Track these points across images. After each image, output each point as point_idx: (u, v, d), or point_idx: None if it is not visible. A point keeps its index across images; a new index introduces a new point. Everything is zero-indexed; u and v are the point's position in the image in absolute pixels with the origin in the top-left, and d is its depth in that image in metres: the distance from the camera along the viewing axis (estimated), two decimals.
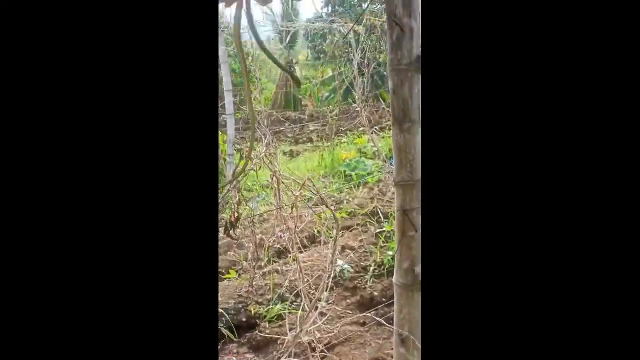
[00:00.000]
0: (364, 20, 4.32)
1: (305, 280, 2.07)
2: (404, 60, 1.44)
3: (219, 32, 4.64)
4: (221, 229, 1.78)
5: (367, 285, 3.09)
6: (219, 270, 3.41)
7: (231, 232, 1.77)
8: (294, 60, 11.22)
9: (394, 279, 1.74)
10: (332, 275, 1.76)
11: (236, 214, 1.69)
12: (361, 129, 6.31)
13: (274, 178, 1.68)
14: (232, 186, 1.68)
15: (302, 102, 11.06)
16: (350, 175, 5.20)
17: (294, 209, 1.70)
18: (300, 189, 1.58)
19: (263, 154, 1.69)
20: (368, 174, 5.06)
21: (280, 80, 10.67)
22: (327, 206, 1.51)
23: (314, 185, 1.56)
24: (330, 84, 9.79)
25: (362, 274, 3.21)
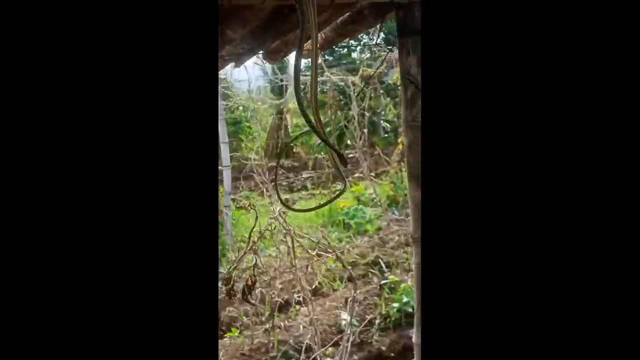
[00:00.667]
0: (360, 71, 4.40)
1: (315, 337, 2.00)
2: (419, 117, 1.46)
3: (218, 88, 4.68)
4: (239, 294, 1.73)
5: (373, 340, 3.01)
6: (220, 328, 3.30)
7: (248, 296, 1.71)
8: (285, 110, 11.35)
9: (414, 339, 1.68)
10: (349, 334, 1.70)
11: (253, 278, 1.63)
12: (357, 175, 6.33)
13: (288, 237, 1.65)
14: (248, 248, 1.65)
15: (294, 150, 11.12)
16: (349, 224, 5.16)
17: (309, 267, 1.65)
18: (315, 249, 1.54)
19: (277, 213, 1.66)
20: (367, 222, 5.03)
21: (272, 129, 10.75)
22: (344, 265, 1.46)
23: (329, 244, 1.52)
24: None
25: (367, 327, 3.13)
